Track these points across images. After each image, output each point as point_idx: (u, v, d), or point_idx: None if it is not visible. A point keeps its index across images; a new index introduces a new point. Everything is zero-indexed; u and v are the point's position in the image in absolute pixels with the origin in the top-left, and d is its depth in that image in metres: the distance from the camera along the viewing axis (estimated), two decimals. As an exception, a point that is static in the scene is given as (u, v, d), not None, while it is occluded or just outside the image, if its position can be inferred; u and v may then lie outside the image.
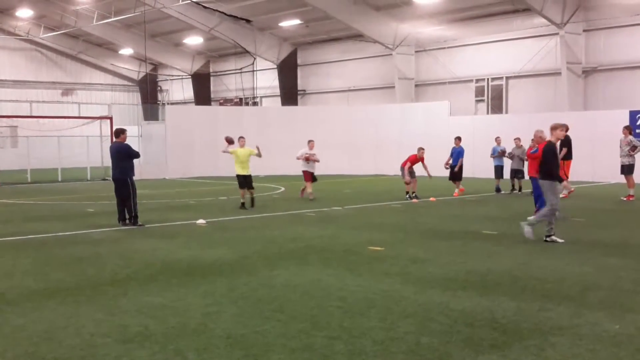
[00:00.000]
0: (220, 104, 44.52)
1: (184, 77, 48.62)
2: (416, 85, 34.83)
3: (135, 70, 51.25)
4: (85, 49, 49.23)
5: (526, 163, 17.29)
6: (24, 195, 22.50)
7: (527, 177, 16.36)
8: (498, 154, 21.06)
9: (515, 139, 20.54)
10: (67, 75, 50.91)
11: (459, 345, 5.53)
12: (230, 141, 17.29)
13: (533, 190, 14.17)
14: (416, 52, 34.65)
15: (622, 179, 18.88)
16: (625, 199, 17.72)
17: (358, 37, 35.63)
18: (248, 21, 37.78)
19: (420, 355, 5.32)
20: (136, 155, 13.73)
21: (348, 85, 38.42)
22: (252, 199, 17.04)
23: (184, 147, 31.68)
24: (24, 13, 41.97)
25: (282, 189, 23.71)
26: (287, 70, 41.06)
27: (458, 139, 20.44)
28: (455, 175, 20.16)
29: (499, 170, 20.95)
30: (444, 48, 33.63)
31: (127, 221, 13.58)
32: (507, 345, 5.53)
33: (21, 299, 7.40)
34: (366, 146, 32.22)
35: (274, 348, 5.51)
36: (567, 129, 18.96)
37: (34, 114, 39.48)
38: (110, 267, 9.15)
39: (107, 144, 27.19)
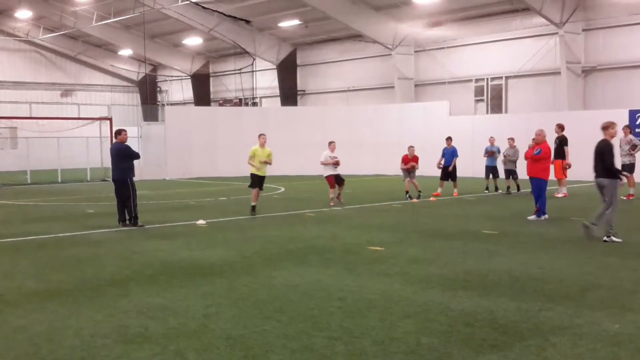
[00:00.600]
0: (220, 105, 44.51)
1: (183, 77, 48.61)
2: (416, 85, 34.82)
3: (135, 71, 51.23)
4: (84, 50, 49.21)
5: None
6: (23, 196, 22.49)
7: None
8: (487, 154, 20.89)
9: (508, 139, 20.51)
10: (67, 76, 50.89)
11: (459, 346, 5.53)
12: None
13: (532, 190, 14.18)
14: (415, 52, 34.63)
15: (621, 178, 18.86)
16: (625, 198, 17.72)
17: (357, 37, 35.62)
18: (247, 22, 37.77)
19: (420, 355, 5.32)
20: (136, 156, 13.73)
21: (347, 86, 38.41)
22: (253, 206, 15.70)
23: (184, 147, 31.68)
24: (23, 14, 41.92)
25: (282, 189, 23.71)
26: (287, 71, 41.05)
27: (449, 139, 20.40)
28: (451, 175, 20.01)
29: (489, 170, 20.79)
30: (444, 48, 33.60)
31: (127, 222, 13.58)
32: (508, 345, 5.53)
33: (21, 300, 7.40)
34: (366, 146, 32.21)
35: (274, 348, 5.51)
36: (563, 128, 19.10)
37: (33, 115, 39.50)
38: (110, 268, 9.16)
39: (107, 145, 27.25)
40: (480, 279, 8.06)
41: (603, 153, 10.93)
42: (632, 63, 27.13)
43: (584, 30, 28.28)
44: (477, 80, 32.49)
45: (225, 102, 44.78)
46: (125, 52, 48.06)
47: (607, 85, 28.00)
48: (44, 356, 5.46)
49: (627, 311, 6.52)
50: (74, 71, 51.27)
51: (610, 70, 27.86)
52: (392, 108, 32.97)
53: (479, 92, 32.46)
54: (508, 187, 20.36)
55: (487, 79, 32.10)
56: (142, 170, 23.90)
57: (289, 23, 36.56)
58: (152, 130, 33.92)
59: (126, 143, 13.78)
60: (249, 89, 43.73)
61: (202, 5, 35.34)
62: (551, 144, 15.80)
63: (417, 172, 19.12)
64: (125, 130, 13.91)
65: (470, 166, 25.83)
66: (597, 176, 11.12)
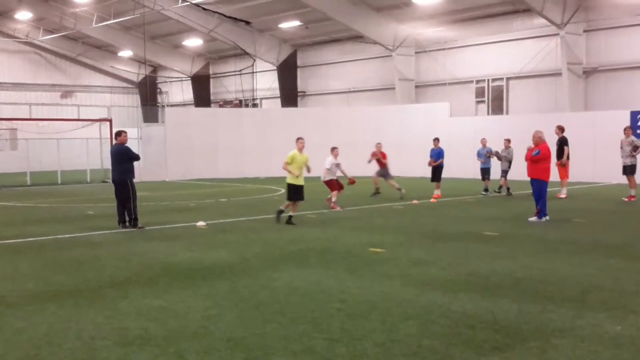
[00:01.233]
0: (220, 106, 44.52)
1: (183, 79, 48.63)
2: (416, 87, 34.80)
3: (135, 72, 51.26)
4: (84, 52, 49.22)
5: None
6: (23, 197, 22.48)
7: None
8: (482, 160, 20.77)
9: (504, 140, 20.51)
10: (67, 78, 50.91)
11: (460, 348, 5.51)
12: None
13: (533, 191, 14.15)
14: (416, 53, 34.62)
15: (623, 179, 18.88)
16: (626, 199, 17.70)
17: (358, 38, 35.62)
18: (247, 23, 37.78)
19: (422, 357, 5.30)
20: (136, 157, 13.72)
21: (348, 87, 38.41)
22: (290, 216, 13.86)
23: (184, 149, 31.68)
24: (23, 15, 41.97)
25: (282, 190, 23.68)
26: (287, 72, 41.04)
27: (437, 140, 20.39)
28: (435, 174, 19.89)
29: (485, 172, 20.72)
30: (444, 49, 33.61)
31: (127, 223, 13.56)
32: (509, 347, 5.51)
33: (21, 302, 7.38)
34: (366, 148, 32.07)
35: (274, 351, 5.49)
36: (563, 130, 19.09)
37: (33, 117, 39.54)
38: (110, 270, 9.14)
39: (107, 146, 27.25)
40: (482, 281, 8.03)
41: None
42: (634, 64, 27.11)
43: (585, 31, 28.27)
44: (478, 82, 32.49)
45: (225, 103, 44.79)
46: (125, 53, 48.09)
47: (608, 86, 27.98)
48: (44, 358, 5.45)
49: (629, 313, 6.50)
50: (74, 72, 51.29)
51: (612, 71, 27.84)
52: (393, 109, 32.95)
53: (479, 93, 32.45)
54: (500, 187, 20.41)
55: (488, 80, 32.10)
56: (142, 172, 23.90)
57: (290, 24, 36.56)
58: (152, 132, 33.94)
59: (126, 144, 13.78)
60: (249, 90, 43.74)
61: (202, 6, 35.37)
62: (552, 146, 15.76)
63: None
64: (125, 132, 13.91)
65: (472, 167, 25.79)
66: None
